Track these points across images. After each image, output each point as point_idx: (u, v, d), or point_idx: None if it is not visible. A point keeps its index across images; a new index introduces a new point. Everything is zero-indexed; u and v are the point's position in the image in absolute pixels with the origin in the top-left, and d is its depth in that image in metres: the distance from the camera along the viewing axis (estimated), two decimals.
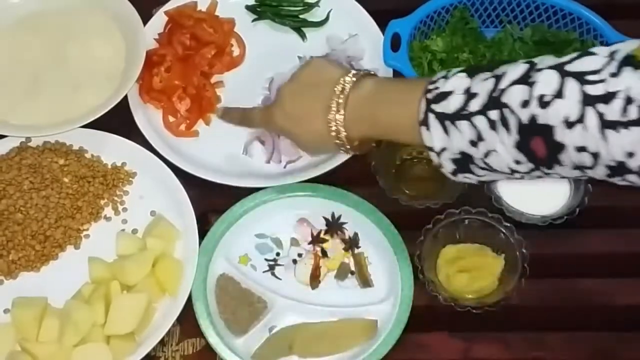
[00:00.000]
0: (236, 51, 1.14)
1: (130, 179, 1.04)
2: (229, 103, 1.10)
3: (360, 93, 0.85)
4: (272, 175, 1.03)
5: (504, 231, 0.95)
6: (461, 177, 0.80)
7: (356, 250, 0.99)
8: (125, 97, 1.05)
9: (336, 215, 1.01)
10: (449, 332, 0.94)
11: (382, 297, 0.96)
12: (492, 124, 0.73)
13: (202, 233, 0.98)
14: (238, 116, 1.01)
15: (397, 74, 1.06)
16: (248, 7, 1.17)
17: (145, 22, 1.11)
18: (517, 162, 0.74)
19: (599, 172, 0.71)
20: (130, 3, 1.10)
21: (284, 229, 1.00)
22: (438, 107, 0.76)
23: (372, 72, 0.90)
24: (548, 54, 1.06)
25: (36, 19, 1.13)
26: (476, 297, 0.94)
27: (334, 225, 1.00)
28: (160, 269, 0.95)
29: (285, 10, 1.16)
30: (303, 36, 1.15)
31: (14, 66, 1.09)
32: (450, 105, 0.76)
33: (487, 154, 0.75)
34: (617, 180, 0.71)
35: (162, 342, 0.93)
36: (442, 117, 0.76)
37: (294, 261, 0.99)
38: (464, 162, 0.78)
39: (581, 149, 0.69)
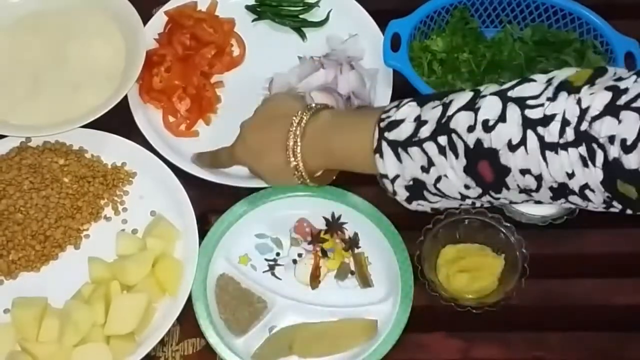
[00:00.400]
0: (236, 51, 1.14)
1: (130, 179, 1.04)
2: (229, 103, 1.10)
3: (316, 125, 0.88)
4: None
5: (504, 231, 0.95)
6: (415, 205, 0.84)
7: (356, 250, 0.99)
8: (125, 97, 1.05)
9: (336, 215, 1.01)
10: (449, 332, 0.94)
11: (382, 297, 0.96)
12: (442, 150, 0.76)
13: (202, 233, 0.98)
14: (208, 159, 1.02)
15: (397, 74, 1.06)
16: (248, 7, 1.17)
17: (145, 22, 1.11)
18: (467, 187, 0.77)
19: (544, 195, 0.74)
20: (130, 3, 1.10)
21: (284, 229, 1.00)
22: (390, 135, 0.79)
23: (330, 106, 0.93)
24: (548, 53, 1.07)
25: (36, 18, 1.13)
26: (476, 297, 0.94)
27: (334, 225, 1.00)
28: (160, 269, 0.95)
29: (285, 10, 1.16)
30: (303, 36, 1.15)
31: (14, 66, 1.09)
32: (401, 133, 0.78)
33: (438, 180, 0.78)
34: (561, 203, 0.74)
35: (162, 342, 0.93)
36: (394, 145, 0.79)
37: (294, 261, 0.99)
38: (416, 189, 0.80)
39: (525, 172, 0.71)
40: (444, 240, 0.97)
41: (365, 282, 0.97)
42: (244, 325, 0.94)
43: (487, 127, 0.72)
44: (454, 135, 0.75)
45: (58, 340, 0.90)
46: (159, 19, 1.14)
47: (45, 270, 0.98)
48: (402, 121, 0.79)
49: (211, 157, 1.01)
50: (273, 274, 0.98)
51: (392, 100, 1.06)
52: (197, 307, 0.93)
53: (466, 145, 0.74)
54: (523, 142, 0.70)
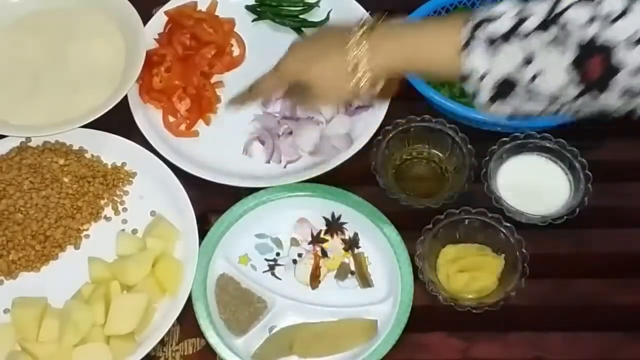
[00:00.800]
0: (236, 51, 1.14)
1: (130, 179, 1.04)
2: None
3: (388, 27, 0.83)
4: (272, 175, 1.03)
5: (504, 231, 0.95)
6: (495, 107, 0.78)
7: (356, 250, 0.99)
8: (125, 97, 1.05)
9: (336, 215, 1.01)
10: (449, 332, 0.94)
11: (382, 297, 0.96)
12: (545, 45, 0.72)
13: (202, 233, 0.98)
14: (243, 95, 0.98)
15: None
16: (248, 7, 1.17)
17: (145, 22, 1.11)
18: (565, 87, 0.72)
19: None
20: (130, 3, 1.10)
21: (284, 229, 1.00)
22: (485, 31, 0.75)
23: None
24: None
25: (36, 18, 1.13)
26: (476, 297, 0.94)
27: (334, 225, 1.00)
28: (160, 269, 0.95)
29: (285, 10, 1.16)
30: (303, 36, 1.15)
31: (14, 66, 1.09)
32: (499, 28, 0.74)
33: (534, 77, 0.73)
34: None
35: (162, 342, 0.93)
36: (489, 41, 0.75)
37: (294, 261, 0.99)
38: (504, 88, 0.76)
39: (638, 71, 0.68)
40: (444, 240, 0.97)
41: (365, 282, 0.97)
42: (244, 325, 0.94)
43: (609, 21, 0.69)
44: (563, 30, 0.70)
45: (58, 340, 0.90)
46: (159, 19, 1.14)
47: (45, 270, 0.98)
48: (499, 17, 0.74)
49: (248, 91, 0.96)
50: (273, 274, 0.98)
51: (392, 101, 1.05)
52: (197, 307, 0.93)
53: (579, 40, 0.70)
54: None
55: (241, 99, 0.99)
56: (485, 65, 0.75)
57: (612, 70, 0.70)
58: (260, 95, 0.97)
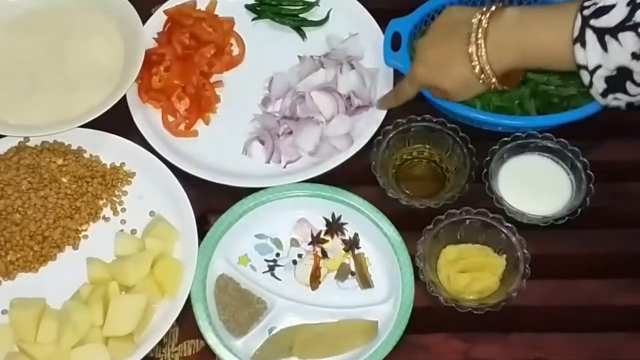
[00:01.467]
0: (236, 50, 1.14)
1: (129, 179, 1.04)
2: (229, 103, 1.10)
3: (502, 23, 0.85)
4: (272, 175, 1.03)
5: (505, 231, 0.95)
6: (611, 99, 0.80)
7: (356, 251, 0.99)
8: (124, 96, 1.05)
9: (336, 216, 1.00)
10: (450, 333, 0.94)
11: (382, 298, 0.95)
12: None
13: (202, 233, 0.97)
14: (392, 97, 1.01)
15: (398, 74, 1.05)
16: (248, 6, 1.17)
17: (144, 21, 1.11)
18: None
19: None
20: (129, 2, 1.10)
21: (284, 229, 1.00)
22: (598, 22, 0.76)
23: (509, 6, 0.89)
24: None
25: (34, 17, 1.12)
26: (477, 298, 0.94)
27: (334, 226, 1.00)
28: (159, 269, 0.94)
29: (285, 9, 1.15)
30: (303, 35, 1.15)
31: (12, 65, 1.09)
32: (612, 18, 0.75)
33: None
34: None
35: (161, 344, 0.93)
36: (601, 32, 0.75)
37: (294, 262, 0.98)
38: (619, 79, 0.77)
39: None
40: (445, 240, 0.96)
41: (366, 282, 0.97)
42: (244, 326, 0.93)
43: None
44: None
45: (56, 342, 0.90)
46: (158, 18, 1.14)
47: (44, 271, 0.98)
48: (612, 6, 0.75)
49: (394, 93, 1.00)
50: (273, 275, 0.98)
51: None
52: (197, 308, 0.93)
53: None
54: None
55: (387, 103, 1.02)
56: (598, 58, 0.76)
57: None
58: (402, 99, 1.00)
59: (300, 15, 1.16)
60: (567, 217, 0.96)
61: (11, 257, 0.97)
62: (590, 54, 0.77)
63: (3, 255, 0.97)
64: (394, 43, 1.05)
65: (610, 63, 0.76)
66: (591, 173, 0.98)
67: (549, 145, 1.00)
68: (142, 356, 0.91)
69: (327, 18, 1.15)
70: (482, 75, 0.87)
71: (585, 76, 0.79)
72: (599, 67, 0.77)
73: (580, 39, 0.77)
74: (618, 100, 0.80)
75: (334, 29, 1.14)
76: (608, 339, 0.94)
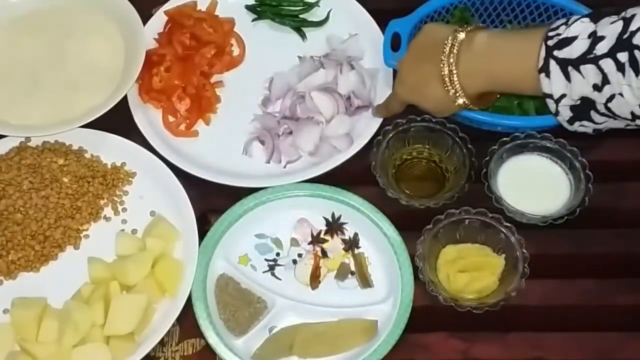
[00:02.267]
0: (236, 51, 1.14)
1: (130, 179, 1.04)
2: (229, 103, 1.10)
3: (473, 48, 0.86)
4: (272, 175, 1.03)
5: (505, 231, 0.95)
6: (577, 126, 0.81)
7: (356, 251, 0.99)
8: (125, 96, 1.05)
9: (336, 215, 1.00)
10: (449, 332, 0.94)
11: (382, 297, 0.96)
12: (620, 66, 0.73)
13: (202, 233, 0.98)
14: (383, 109, 1.04)
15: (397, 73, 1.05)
16: (248, 7, 1.17)
17: (145, 21, 1.11)
18: None
19: None
20: (129, 2, 1.10)
21: (284, 229, 1.00)
22: (560, 53, 0.77)
23: (483, 26, 0.91)
24: None
25: (35, 18, 1.13)
26: (476, 298, 0.94)
27: (334, 225, 1.00)
28: (160, 269, 0.95)
29: (285, 10, 1.16)
30: (303, 36, 1.15)
31: (13, 66, 1.09)
32: (574, 50, 0.76)
33: (610, 98, 0.75)
34: None
35: (161, 343, 0.93)
36: (564, 63, 0.76)
37: (294, 261, 0.98)
38: (583, 108, 0.78)
39: None
40: (445, 240, 0.96)
41: (366, 282, 0.97)
42: (244, 325, 0.94)
43: None
44: (636, 52, 0.71)
45: (57, 341, 0.90)
46: (159, 19, 1.14)
47: (45, 270, 0.98)
48: (574, 38, 0.76)
49: (384, 106, 1.03)
50: (273, 274, 0.98)
51: None
52: (197, 307, 0.93)
53: None
54: None
55: (380, 113, 1.05)
56: (562, 88, 0.78)
57: None
58: (392, 113, 1.03)
59: (301, 16, 1.16)
60: (566, 217, 0.96)
61: (12, 257, 0.97)
62: (555, 83, 0.78)
63: (4, 255, 0.97)
64: (394, 43, 1.06)
65: (573, 93, 0.77)
66: (590, 173, 0.98)
67: (548, 145, 1.00)
68: (143, 355, 0.91)
69: (327, 19, 1.15)
70: (457, 97, 0.89)
71: (551, 105, 0.80)
72: (563, 96, 0.78)
73: (545, 69, 0.78)
74: (585, 127, 0.81)
75: (334, 30, 1.14)
76: (607, 338, 0.94)
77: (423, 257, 0.94)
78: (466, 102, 0.89)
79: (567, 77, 0.77)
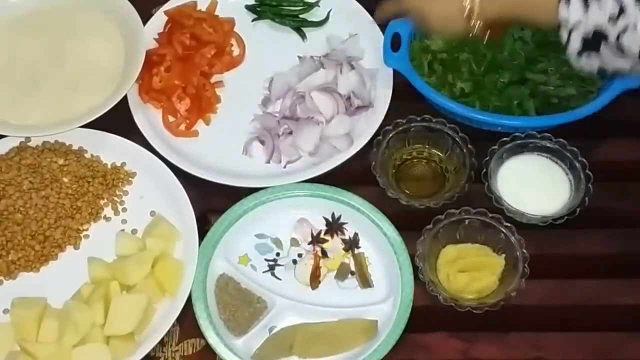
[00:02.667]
0: (236, 51, 1.14)
1: (130, 179, 1.04)
2: (229, 103, 1.10)
3: None
4: (272, 175, 1.03)
5: (505, 231, 0.95)
6: (584, 60, 0.83)
7: (356, 251, 0.99)
8: (125, 96, 1.05)
9: (336, 215, 1.00)
10: (449, 332, 0.94)
11: (382, 297, 0.96)
12: None
13: (202, 233, 0.98)
14: (386, 9, 1.03)
15: (397, 74, 1.06)
16: (248, 7, 1.17)
17: (145, 21, 1.11)
18: None
19: None
20: (130, 2, 1.10)
21: (284, 229, 1.00)
22: None
23: None
24: (549, 53, 1.07)
25: (35, 18, 1.13)
26: (476, 298, 0.94)
27: (334, 225, 1.00)
28: (160, 269, 0.95)
29: (285, 10, 1.16)
30: (303, 36, 1.15)
31: (13, 66, 1.09)
32: None
33: (624, 30, 0.77)
34: None
35: (161, 343, 0.93)
36: None
37: (294, 261, 0.98)
38: (594, 41, 0.80)
39: None
40: (445, 240, 0.96)
41: (366, 282, 0.97)
42: (244, 325, 0.94)
43: None
44: None
45: (57, 341, 0.90)
46: (159, 19, 1.14)
47: (45, 270, 0.98)
48: None
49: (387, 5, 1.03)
50: (273, 274, 0.98)
51: (392, 100, 1.05)
52: (197, 307, 0.93)
53: None
54: None
55: (384, 11, 1.04)
56: (578, 15, 0.79)
57: None
58: (382, 16, 1.04)
59: (301, 16, 1.16)
60: (566, 217, 0.96)
61: (13, 257, 0.97)
62: (572, 10, 0.80)
63: (5, 255, 0.97)
64: (394, 44, 1.06)
65: (589, 22, 0.79)
66: (590, 173, 0.98)
67: (548, 145, 1.00)
68: (142, 355, 0.91)
69: (327, 19, 1.15)
70: (471, 15, 0.88)
71: (564, 33, 0.82)
72: (577, 25, 0.80)
73: None
74: (591, 62, 0.83)
75: (334, 30, 1.14)
76: (607, 338, 0.94)
77: (423, 257, 0.94)
78: (477, 22, 0.89)
79: (586, 4, 0.79)
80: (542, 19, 0.85)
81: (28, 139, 1.04)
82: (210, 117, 1.09)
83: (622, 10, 0.77)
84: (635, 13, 0.76)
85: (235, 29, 1.16)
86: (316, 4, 1.16)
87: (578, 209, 0.96)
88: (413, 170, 1.05)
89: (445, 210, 0.96)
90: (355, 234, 1.00)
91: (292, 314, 0.95)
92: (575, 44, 0.82)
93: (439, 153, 1.04)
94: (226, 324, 0.94)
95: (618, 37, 0.78)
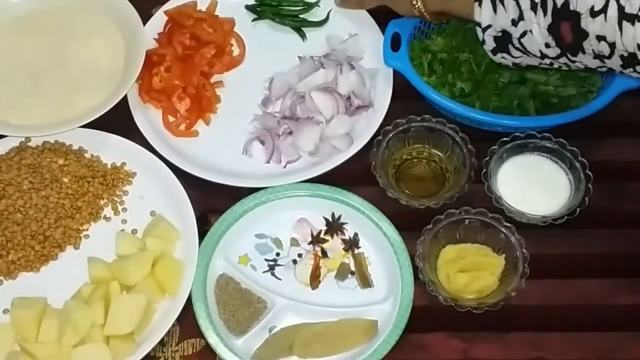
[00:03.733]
0: (236, 51, 1.14)
1: (130, 179, 1.04)
2: (229, 103, 1.10)
3: None
4: (272, 175, 1.03)
5: (505, 231, 0.95)
6: (499, 57, 0.91)
7: (356, 251, 0.99)
8: (125, 97, 1.05)
9: (336, 215, 1.00)
10: (449, 332, 0.94)
11: (382, 297, 0.96)
12: (533, 5, 0.83)
13: (202, 233, 0.98)
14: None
15: (397, 74, 1.06)
16: (248, 7, 1.17)
17: (145, 21, 1.11)
18: (547, 46, 0.84)
19: (615, 63, 0.81)
20: (130, 2, 1.10)
21: (284, 229, 1.00)
22: None
23: None
24: None
25: (35, 18, 1.13)
26: (476, 298, 0.94)
27: (334, 225, 1.00)
28: (160, 269, 0.95)
29: (285, 10, 1.16)
30: (303, 36, 1.15)
31: (13, 66, 1.09)
32: None
33: (523, 34, 0.85)
34: (629, 72, 0.81)
35: (161, 343, 0.93)
36: None
37: (294, 261, 0.98)
38: (503, 41, 0.88)
39: (601, 38, 0.79)
40: (444, 240, 0.97)
41: (365, 282, 0.97)
42: (244, 325, 0.94)
43: None
44: None
45: (57, 341, 0.90)
46: (159, 19, 1.14)
47: (45, 270, 0.98)
48: None
49: None
50: (273, 274, 0.98)
51: (392, 101, 1.05)
52: (197, 307, 0.93)
53: (554, 5, 0.81)
54: (604, 9, 0.77)
55: (348, 3, 1.13)
56: (489, 18, 0.87)
57: (581, 36, 0.80)
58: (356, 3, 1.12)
59: (301, 16, 1.16)
60: (566, 217, 0.96)
61: (12, 257, 0.97)
62: (484, 13, 0.87)
63: (4, 255, 0.97)
64: (394, 43, 1.06)
65: (497, 25, 0.87)
66: (590, 173, 0.98)
67: (548, 145, 1.00)
68: (143, 355, 0.91)
69: (327, 19, 1.15)
70: (416, 2, 0.98)
71: (479, 33, 0.89)
72: (489, 26, 0.88)
73: (479, 0, 0.88)
74: (505, 60, 0.91)
75: (334, 30, 1.14)
76: (607, 338, 0.94)
77: (423, 257, 0.94)
78: (422, 11, 0.98)
79: (494, 8, 0.86)
80: (466, 17, 0.92)
81: (28, 139, 1.04)
82: (210, 117, 1.09)
83: (521, 15, 0.84)
84: (529, 19, 0.83)
85: (235, 29, 1.15)
86: (316, 4, 1.16)
87: (578, 209, 0.96)
88: (413, 171, 1.05)
89: (445, 210, 0.96)
90: (355, 234, 1.00)
91: (292, 314, 0.95)
92: (489, 44, 0.90)
93: (439, 153, 1.04)
94: (226, 324, 0.94)
95: (519, 39, 0.86)
